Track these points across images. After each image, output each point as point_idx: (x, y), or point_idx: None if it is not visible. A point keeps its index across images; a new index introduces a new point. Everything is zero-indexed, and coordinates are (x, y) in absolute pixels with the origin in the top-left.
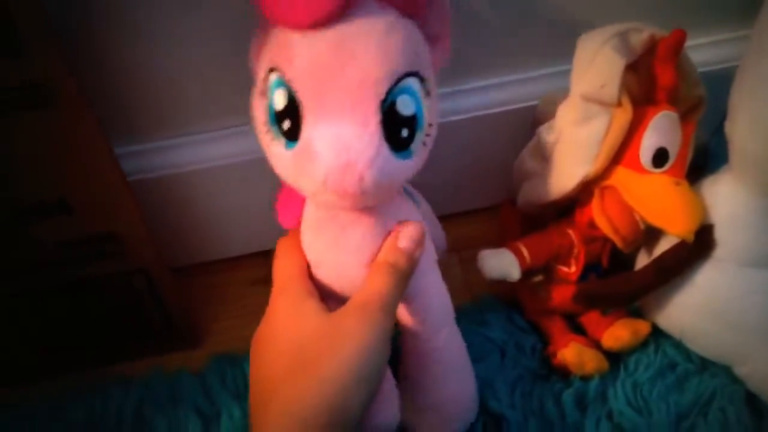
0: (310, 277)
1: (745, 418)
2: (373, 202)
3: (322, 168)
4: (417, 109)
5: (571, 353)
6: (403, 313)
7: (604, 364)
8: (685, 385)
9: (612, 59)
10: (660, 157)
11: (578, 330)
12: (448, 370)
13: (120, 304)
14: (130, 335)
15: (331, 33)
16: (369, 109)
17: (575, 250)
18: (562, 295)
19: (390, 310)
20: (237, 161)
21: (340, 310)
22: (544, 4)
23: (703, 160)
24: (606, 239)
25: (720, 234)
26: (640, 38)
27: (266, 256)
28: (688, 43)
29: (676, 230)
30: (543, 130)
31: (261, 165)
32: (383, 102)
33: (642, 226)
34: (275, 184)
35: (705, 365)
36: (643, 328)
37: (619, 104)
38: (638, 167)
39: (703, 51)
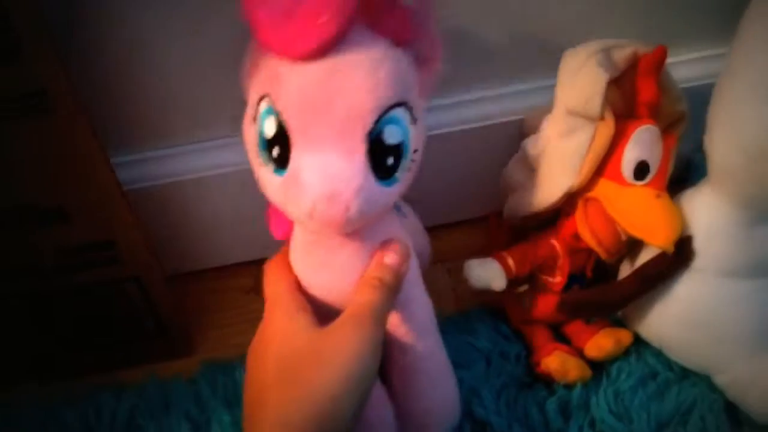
0: (301, 293)
1: (724, 426)
2: (356, 228)
3: (309, 197)
4: (403, 138)
5: (555, 362)
6: (388, 324)
7: (587, 373)
8: (666, 394)
9: (595, 74)
10: (641, 170)
11: (562, 339)
12: (431, 377)
13: (114, 311)
14: (123, 342)
15: (321, 64)
16: (356, 139)
17: (560, 261)
18: (546, 305)
19: (380, 321)
20: (231, 171)
21: (331, 325)
22: (530, 20)
23: (687, 173)
24: (590, 250)
25: (699, 245)
26: (623, 54)
27: (259, 265)
28: (672, 59)
29: (656, 241)
30: (528, 142)
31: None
32: (370, 132)
33: (624, 238)
34: None
35: (685, 374)
36: (625, 337)
37: (602, 118)
38: (620, 179)
39: (687, 67)
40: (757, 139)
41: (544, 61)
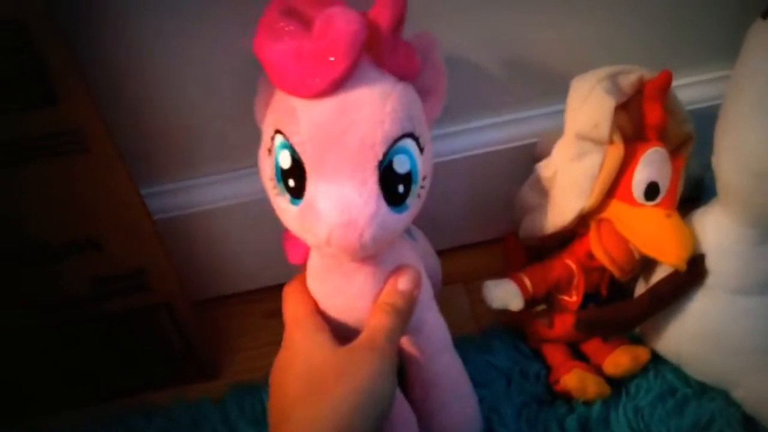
0: (319, 315)
1: None
2: (372, 253)
3: (325, 226)
4: (412, 166)
5: (574, 379)
6: (405, 344)
7: (606, 390)
8: (685, 409)
9: (603, 100)
10: (651, 191)
11: (581, 357)
12: (449, 392)
13: (144, 336)
14: (153, 366)
15: (332, 101)
16: (368, 170)
17: (575, 280)
18: (564, 324)
19: (393, 342)
20: (253, 199)
21: (350, 346)
22: (540, 47)
23: (698, 192)
24: (604, 269)
25: (711, 263)
26: (629, 80)
27: (281, 289)
28: (678, 82)
29: (668, 260)
30: (540, 166)
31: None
32: (381, 162)
33: (637, 257)
34: None
35: (703, 389)
36: (642, 354)
37: (611, 142)
38: (631, 200)
39: (693, 89)
40: (762, 159)
41: (554, 86)
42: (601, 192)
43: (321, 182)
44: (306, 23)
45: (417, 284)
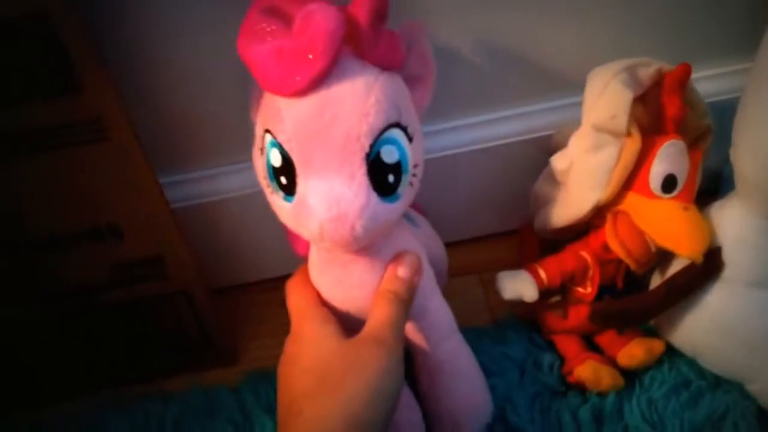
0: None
1: None
2: (366, 244)
3: (317, 221)
4: (401, 156)
5: (588, 370)
6: (410, 332)
7: (620, 381)
8: (699, 402)
9: (621, 92)
10: (669, 184)
11: (595, 349)
12: (456, 378)
13: (162, 323)
14: (171, 352)
15: (315, 98)
16: (355, 163)
17: (590, 272)
18: (578, 315)
19: (398, 333)
20: None
21: (357, 338)
22: (556, 39)
23: (717, 185)
24: (620, 261)
25: (728, 256)
26: (647, 72)
27: None
28: (698, 75)
29: (684, 252)
30: (556, 158)
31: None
32: (368, 155)
33: (653, 249)
34: None
35: (718, 382)
36: (657, 346)
37: (629, 134)
38: (648, 193)
39: (713, 82)
40: None
41: (571, 78)
42: (618, 184)
43: (311, 178)
44: (288, 22)
45: (416, 270)
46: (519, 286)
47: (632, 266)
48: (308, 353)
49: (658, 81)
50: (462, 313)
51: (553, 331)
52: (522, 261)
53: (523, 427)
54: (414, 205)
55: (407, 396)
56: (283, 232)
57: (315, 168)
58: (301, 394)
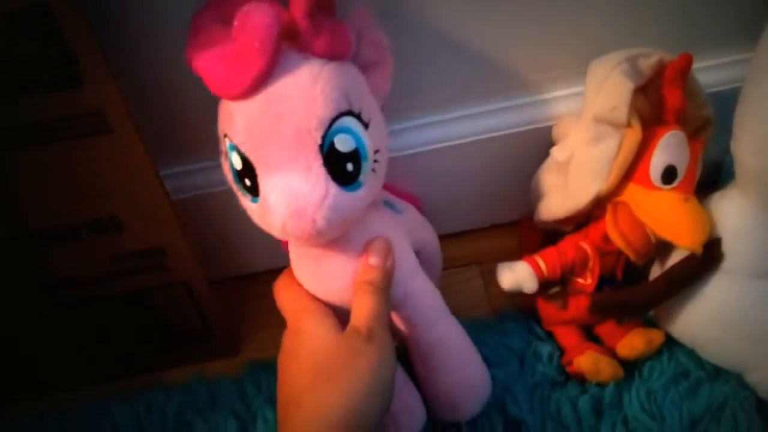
0: None
1: (756, 423)
2: (334, 236)
3: (278, 218)
4: (357, 143)
5: (587, 361)
6: (396, 319)
7: (620, 372)
8: (698, 392)
9: (621, 83)
10: (669, 174)
11: (595, 340)
12: (450, 360)
13: (163, 314)
14: (172, 344)
15: (260, 97)
16: (310, 156)
17: (590, 263)
18: (578, 306)
19: (383, 323)
20: None
21: (349, 332)
22: (556, 29)
23: (717, 176)
24: (620, 252)
25: (728, 247)
26: (648, 63)
27: None
28: (698, 65)
29: (684, 243)
30: (555, 150)
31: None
32: (321, 146)
33: (653, 240)
34: None
35: (717, 373)
36: (656, 337)
37: (629, 125)
38: (648, 184)
39: (713, 72)
40: None
41: (572, 69)
42: (618, 175)
43: (269, 176)
44: (231, 25)
45: (387, 254)
46: (519, 277)
47: (632, 257)
48: (306, 348)
49: (659, 71)
50: (462, 304)
51: (553, 322)
52: (522, 252)
53: (523, 418)
54: (411, 199)
55: (402, 380)
56: None
57: (272, 166)
58: (300, 388)
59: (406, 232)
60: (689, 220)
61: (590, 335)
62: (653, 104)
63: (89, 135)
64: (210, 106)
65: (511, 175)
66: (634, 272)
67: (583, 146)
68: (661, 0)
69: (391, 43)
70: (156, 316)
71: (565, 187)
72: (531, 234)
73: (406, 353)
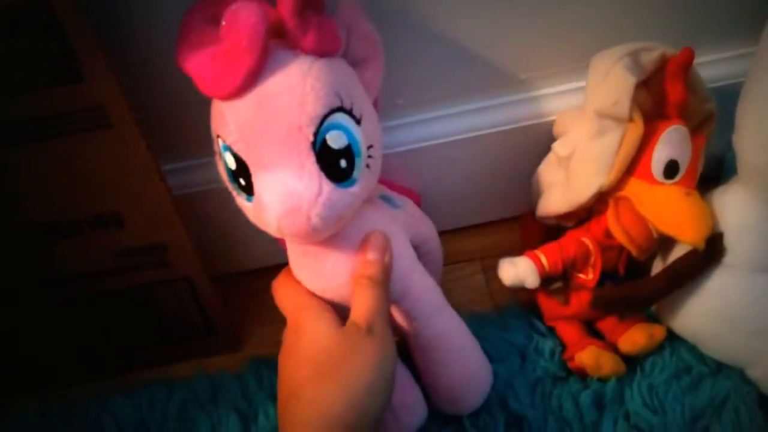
0: None
1: (758, 418)
2: (329, 233)
3: (273, 217)
4: (350, 140)
5: (589, 356)
6: (395, 313)
7: (621, 367)
8: (700, 387)
9: (623, 77)
10: (671, 169)
11: (596, 335)
12: (450, 353)
13: (165, 310)
14: (174, 339)
15: (250, 96)
16: (302, 153)
17: (592, 259)
18: (579, 301)
19: (383, 318)
20: None
21: (347, 327)
22: (557, 24)
23: (719, 171)
24: (621, 247)
25: (730, 241)
26: (650, 57)
27: None
28: (701, 59)
29: (686, 238)
30: (557, 144)
31: None
32: (313, 143)
33: (655, 235)
34: None
35: (719, 368)
36: (658, 332)
37: (631, 119)
38: (650, 178)
39: (716, 67)
40: None
41: (573, 64)
42: (620, 170)
43: (263, 175)
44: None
45: (384, 249)
46: (520, 272)
47: (634, 252)
48: (306, 343)
49: (662, 66)
50: (463, 299)
51: (555, 317)
52: (523, 248)
53: (524, 413)
54: (409, 194)
55: (403, 376)
56: None
57: (265, 165)
58: (300, 383)
59: (405, 227)
60: (691, 215)
61: (592, 331)
62: (655, 99)
63: (90, 130)
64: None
65: (512, 171)
66: (636, 267)
67: (585, 141)
68: None
69: (385, 39)
70: (158, 312)
71: (567, 182)
72: (533, 229)
73: (406, 348)
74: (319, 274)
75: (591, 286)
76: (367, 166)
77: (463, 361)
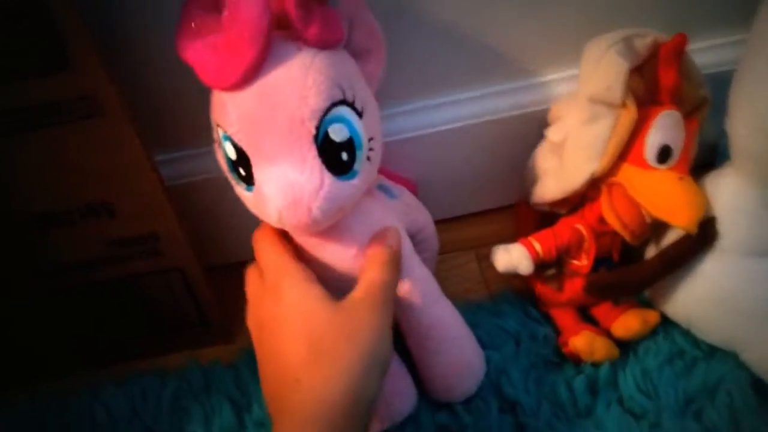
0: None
1: (751, 400)
2: (329, 224)
3: (274, 209)
4: (351, 132)
5: (582, 341)
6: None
7: (615, 352)
8: (693, 371)
9: (616, 63)
10: (664, 154)
11: (590, 321)
12: (444, 342)
13: (158, 300)
14: (167, 330)
15: (253, 88)
16: (304, 146)
17: (586, 245)
18: (573, 288)
19: (389, 295)
20: None
21: (348, 301)
22: (549, 12)
23: (713, 157)
24: (615, 233)
25: (723, 225)
26: (643, 43)
27: None
28: (696, 46)
29: (679, 223)
30: (551, 131)
31: None
32: (315, 136)
33: (648, 220)
34: None
35: (713, 352)
36: (652, 317)
37: (624, 105)
38: (643, 164)
39: (711, 53)
40: None
41: (566, 50)
42: (613, 155)
43: (264, 167)
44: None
45: (399, 242)
46: (514, 258)
47: (627, 238)
48: (295, 317)
49: (655, 52)
50: (458, 288)
51: (549, 303)
52: (518, 235)
53: (519, 398)
54: (405, 182)
55: (396, 364)
56: None
57: (266, 156)
58: (295, 363)
59: (401, 217)
60: (684, 200)
61: (587, 317)
62: (648, 85)
63: (80, 119)
64: (206, 92)
65: (507, 159)
66: (630, 253)
67: (578, 126)
68: None
69: (385, 29)
70: (151, 303)
71: (560, 168)
72: (527, 217)
73: (398, 337)
74: (317, 265)
75: (585, 272)
76: (368, 158)
77: (458, 350)
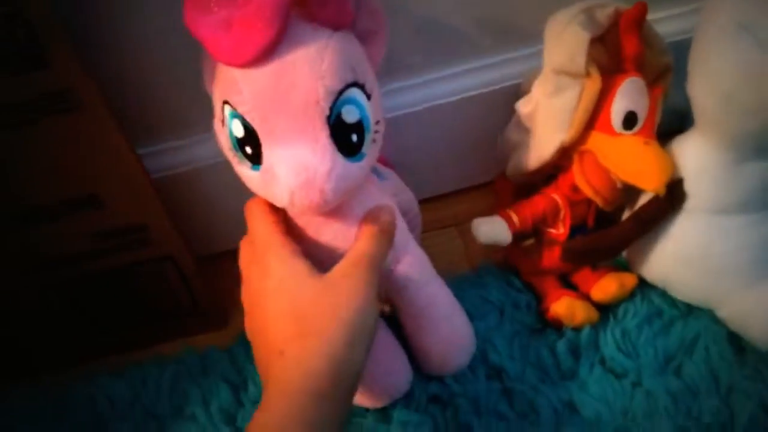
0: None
1: (728, 354)
2: (336, 204)
3: (286, 189)
4: (361, 114)
5: (563, 306)
6: (388, 282)
7: (594, 315)
8: (671, 330)
9: (578, 34)
10: (629, 120)
11: (571, 287)
12: (438, 320)
13: (151, 290)
14: (162, 319)
15: (269, 66)
16: (317, 127)
17: (561, 213)
18: (552, 256)
19: (376, 268)
20: None
21: (332, 274)
22: None
23: (682, 125)
24: (589, 201)
25: (690, 186)
26: (605, 13)
27: None
28: (660, 14)
29: (648, 185)
30: (520, 103)
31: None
32: (329, 117)
33: (619, 185)
34: None
35: (689, 311)
36: (629, 280)
37: (588, 75)
38: (610, 130)
39: (675, 22)
40: (730, 79)
41: (536, 27)
42: (581, 124)
43: (275, 146)
44: None
45: (394, 217)
46: (493, 230)
47: (601, 204)
48: (282, 292)
49: (616, 21)
50: (443, 263)
51: (530, 272)
52: (498, 208)
53: (504, 365)
54: (385, 164)
55: (389, 343)
56: None
57: (278, 136)
58: (283, 337)
59: (394, 198)
60: (651, 163)
61: (567, 284)
62: (612, 54)
63: (59, 113)
64: (188, 86)
65: (483, 136)
66: (606, 220)
67: (546, 98)
68: None
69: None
70: (144, 292)
71: (532, 139)
72: (506, 191)
73: (392, 315)
74: (318, 245)
75: (562, 240)
76: (374, 140)
77: (452, 327)
